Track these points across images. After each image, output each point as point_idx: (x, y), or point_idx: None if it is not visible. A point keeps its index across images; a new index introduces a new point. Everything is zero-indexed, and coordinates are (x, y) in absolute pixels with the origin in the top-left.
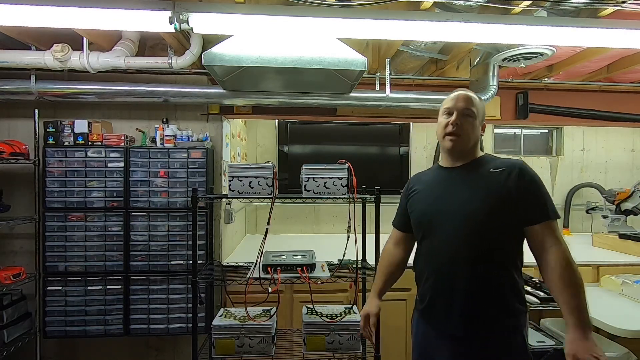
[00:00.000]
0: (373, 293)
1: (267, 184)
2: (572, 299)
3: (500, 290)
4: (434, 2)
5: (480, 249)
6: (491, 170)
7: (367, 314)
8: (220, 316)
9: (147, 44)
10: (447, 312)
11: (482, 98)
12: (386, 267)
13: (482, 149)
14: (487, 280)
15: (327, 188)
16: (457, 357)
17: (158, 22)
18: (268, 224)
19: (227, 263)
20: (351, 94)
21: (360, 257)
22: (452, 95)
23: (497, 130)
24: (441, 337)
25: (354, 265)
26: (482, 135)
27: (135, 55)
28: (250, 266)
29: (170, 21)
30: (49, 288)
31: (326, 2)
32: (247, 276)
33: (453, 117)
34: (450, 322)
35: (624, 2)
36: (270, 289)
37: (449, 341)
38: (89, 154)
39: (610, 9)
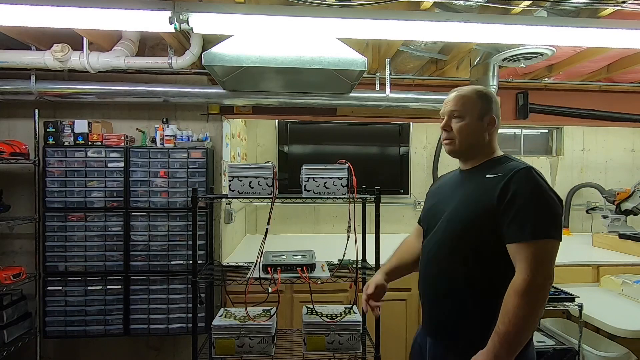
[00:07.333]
0: (380, 270)
1: (267, 184)
2: (501, 326)
3: (465, 306)
4: (434, 2)
5: (452, 258)
6: (487, 176)
7: (367, 285)
8: (220, 316)
9: (147, 44)
10: (425, 313)
11: None
12: (400, 252)
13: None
14: (452, 292)
15: (327, 188)
16: (431, 357)
17: (158, 22)
18: (268, 224)
19: (227, 263)
20: (351, 94)
21: (360, 257)
22: (447, 97)
23: None
24: (425, 335)
25: (354, 266)
26: (490, 130)
27: (135, 55)
28: (250, 266)
29: (170, 21)
30: (49, 288)
31: (326, 2)
32: (247, 276)
33: (442, 122)
34: (427, 324)
35: (624, 2)
36: (270, 289)
37: (428, 340)
38: (89, 154)
39: (610, 9)
